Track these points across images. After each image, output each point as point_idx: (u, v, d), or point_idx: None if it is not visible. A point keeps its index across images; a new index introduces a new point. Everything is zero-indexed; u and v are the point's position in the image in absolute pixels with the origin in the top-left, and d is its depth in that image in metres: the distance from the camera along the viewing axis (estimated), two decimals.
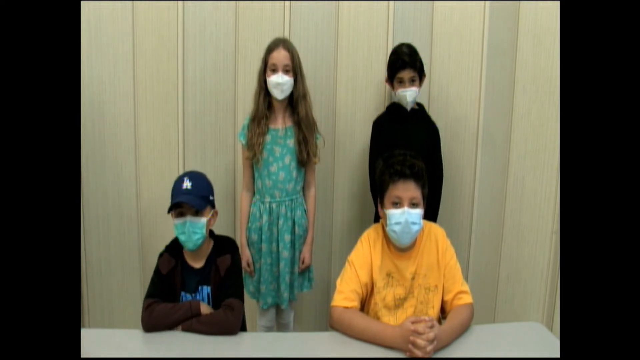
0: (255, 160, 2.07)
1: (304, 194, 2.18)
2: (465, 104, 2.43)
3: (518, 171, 2.54)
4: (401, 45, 2.21)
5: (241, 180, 2.25)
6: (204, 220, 1.61)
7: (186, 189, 1.60)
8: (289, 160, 2.08)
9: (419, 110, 2.28)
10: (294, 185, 2.11)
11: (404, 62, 2.14)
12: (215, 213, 1.70)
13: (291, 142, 2.08)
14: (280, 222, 2.09)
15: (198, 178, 1.67)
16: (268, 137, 2.06)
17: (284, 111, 2.10)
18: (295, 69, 2.03)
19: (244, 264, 2.09)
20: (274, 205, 2.09)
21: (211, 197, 1.68)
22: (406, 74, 2.14)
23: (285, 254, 2.09)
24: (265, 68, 2.03)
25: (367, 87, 2.41)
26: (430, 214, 2.12)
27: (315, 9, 2.35)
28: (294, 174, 2.10)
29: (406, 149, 1.69)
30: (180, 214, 1.60)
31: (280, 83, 1.99)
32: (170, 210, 1.61)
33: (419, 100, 2.29)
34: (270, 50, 2.03)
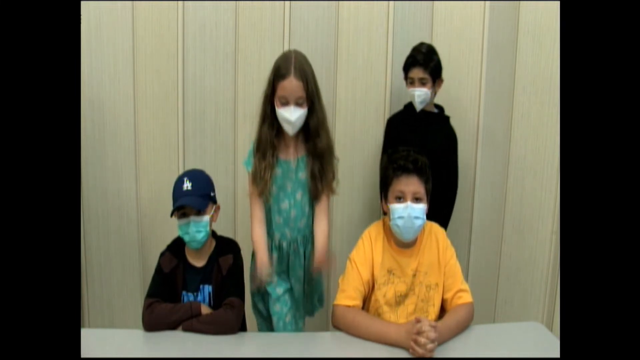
0: (265, 198, 1.75)
1: (314, 228, 1.81)
2: (465, 104, 2.43)
3: (518, 171, 2.54)
4: (421, 44, 2.18)
5: (241, 181, 2.23)
6: (206, 218, 1.62)
7: (187, 190, 1.61)
8: (300, 195, 1.78)
9: (437, 114, 2.25)
10: (306, 221, 1.82)
11: (415, 60, 2.12)
12: (218, 208, 1.71)
13: (303, 175, 1.77)
14: (291, 258, 1.84)
15: (197, 177, 1.67)
16: (278, 171, 1.75)
17: (295, 138, 1.76)
18: (310, 96, 1.69)
19: (263, 267, 1.71)
20: (283, 244, 1.82)
21: (212, 194, 1.68)
22: (416, 74, 2.11)
23: (298, 287, 1.87)
24: (273, 94, 1.70)
25: (367, 87, 2.41)
26: (442, 222, 1.98)
27: (315, 8, 2.35)
28: (307, 209, 1.80)
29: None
30: (183, 215, 1.61)
31: (292, 121, 1.67)
32: (173, 213, 1.62)
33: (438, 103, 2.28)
34: (279, 76, 1.67)
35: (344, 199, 2.50)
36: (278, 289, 1.82)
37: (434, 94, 2.17)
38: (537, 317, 2.56)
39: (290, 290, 1.86)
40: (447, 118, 2.26)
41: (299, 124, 1.69)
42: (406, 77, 2.17)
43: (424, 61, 2.11)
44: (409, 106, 2.23)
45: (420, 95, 2.11)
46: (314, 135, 1.74)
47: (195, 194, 1.61)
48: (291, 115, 1.66)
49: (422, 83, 2.11)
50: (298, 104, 1.67)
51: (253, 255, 1.77)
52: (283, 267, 1.84)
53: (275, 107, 1.69)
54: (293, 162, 1.76)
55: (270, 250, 1.81)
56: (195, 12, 2.32)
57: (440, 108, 2.27)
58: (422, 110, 2.18)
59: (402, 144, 1.97)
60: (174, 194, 1.63)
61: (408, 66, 2.15)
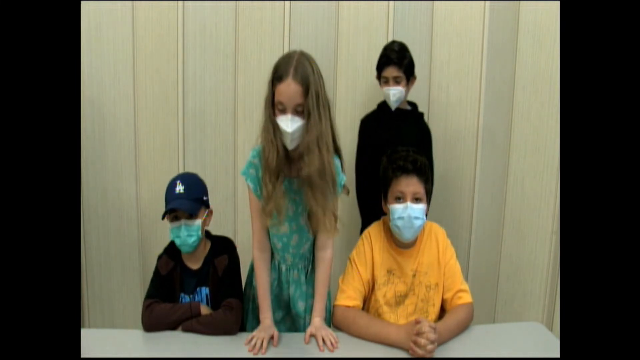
0: (274, 224, 1.54)
1: (315, 255, 1.64)
2: (465, 104, 2.43)
3: (518, 171, 2.54)
4: (393, 42, 2.18)
5: (241, 181, 2.22)
6: (198, 222, 1.61)
7: (179, 193, 1.60)
8: (304, 220, 1.58)
9: (411, 111, 2.25)
10: (309, 245, 1.64)
11: (389, 59, 2.11)
12: (210, 212, 1.69)
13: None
14: (291, 289, 1.65)
15: (190, 180, 1.66)
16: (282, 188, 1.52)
17: (298, 154, 1.50)
18: (309, 104, 1.39)
19: (267, 338, 1.49)
20: (282, 268, 1.65)
21: (205, 198, 1.67)
22: (390, 72, 2.11)
23: (298, 321, 1.69)
24: (273, 99, 1.43)
25: (367, 87, 2.42)
26: None
27: (315, 9, 2.35)
28: (310, 234, 1.62)
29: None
30: (175, 218, 1.61)
31: (289, 132, 1.41)
32: (164, 215, 1.61)
33: (412, 100, 2.28)
34: (276, 78, 1.41)
35: (343, 198, 2.50)
36: (276, 314, 1.64)
37: (408, 91, 2.17)
38: (537, 317, 2.56)
39: (289, 314, 1.69)
40: (420, 114, 2.26)
41: (299, 135, 1.43)
42: (379, 77, 2.17)
43: (397, 59, 2.10)
44: (383, 105, 2.23)
45: (395, 94, 2.12)
46: (303, 153, 1.43)
47: (187, 198, 1.60)
48: (288, 126, 1.40)
49: (396, 82, 2.11)
50: (297, 112, 1.41)
51: (252, 266, 1.69)
52: (284, 294, 1.66)
53: (275, 116, 1.44)
54: (296, 182, 1.53)
55: (269, 270, 1.64)
56: (195, 12, 2.32)
57: (413, 105, 2.27)
58: (397, 108, 2.18)
59: (378, 142, 1.97)
60: (167, 196, 1.62)
61: (382, 65, 2.14)
